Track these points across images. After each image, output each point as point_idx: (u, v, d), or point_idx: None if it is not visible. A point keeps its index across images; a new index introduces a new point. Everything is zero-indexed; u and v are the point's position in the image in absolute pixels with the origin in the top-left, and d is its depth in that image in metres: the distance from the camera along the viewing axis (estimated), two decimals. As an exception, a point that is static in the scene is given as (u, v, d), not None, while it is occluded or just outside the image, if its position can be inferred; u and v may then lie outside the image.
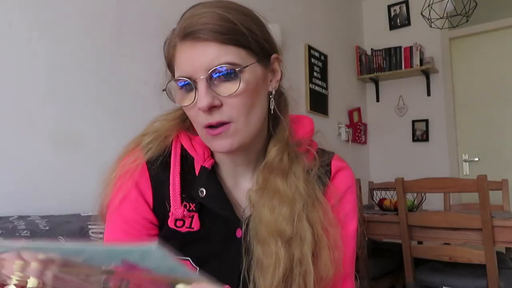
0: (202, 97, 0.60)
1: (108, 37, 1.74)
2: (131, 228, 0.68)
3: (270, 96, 0.69)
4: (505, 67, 3.57)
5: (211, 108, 0.61)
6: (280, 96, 0.73)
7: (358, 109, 3.87)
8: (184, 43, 0.61)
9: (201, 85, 0.60)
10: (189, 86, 0.62)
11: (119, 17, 1.79)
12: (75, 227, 1.25)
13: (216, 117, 0.61)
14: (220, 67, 0.59)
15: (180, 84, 0.63)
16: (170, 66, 0.67)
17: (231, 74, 0.60)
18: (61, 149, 1.52)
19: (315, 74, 3.27)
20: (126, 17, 1.82)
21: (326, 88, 3.43)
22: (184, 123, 0.73)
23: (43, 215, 1.30)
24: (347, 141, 3.59)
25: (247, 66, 0.61)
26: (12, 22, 1.41)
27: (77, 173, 1.53)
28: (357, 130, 3.76)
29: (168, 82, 0.65)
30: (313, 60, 3.26)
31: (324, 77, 3.41)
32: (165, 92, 0.66)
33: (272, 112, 0.69)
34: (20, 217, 1.24)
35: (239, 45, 0.61)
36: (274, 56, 0.68)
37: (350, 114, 3.77)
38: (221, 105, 0.61)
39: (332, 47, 3.53)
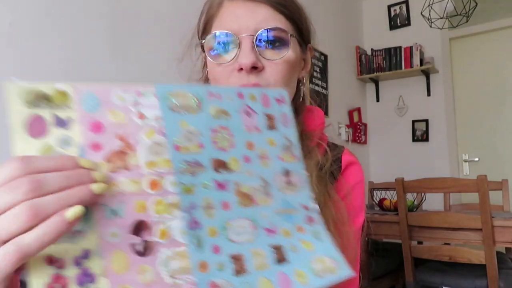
0: (247, 54, 0.56)
1: (107, 37, 1.74)
2: None
3: (300, 85, 0.67)
4: (505, 67, 3.57)
5: (251, 70, 0.57)
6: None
7: (358, 109, 3.87)
8: (233, 1, 0.58)
9: (246, 42, 0.56)
10: (227, 45, 0.58)
11: (118, 17, 1.79)
12: (75, 227, 1.25)
13: (254, 80, 0.57)
14: (270, 29, 0.57)
15: (215, 45, 0.58)
16: (207, 27, 0.63)
17: (279, 40, 0.58)
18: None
19: (315, 74, 3.27)
20: (126, 17, 1.82)
21: (326, 88, 3.43)
22: None
23: (43, 215, 1.30)
24: (347, 141, 3.59)
25: (294, 37, 0.60)
26: (12, 22, 1.41)
27: (77, 173, 1.52)
28: (357, 130, 3.76)
29: (205, 37, 0.60)
30: (313, 60, 3.26)
31: (324, 77, 3.41)
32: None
33: (298, 99, 0.68)
34: (20, 217, 1.24)
35: (290, 18, 0.59)
36: (310, 45, 0.68)
37: (350, 114, 3.77)
38: (263, 68, 0.58)
39: (332, 47, 3.53)
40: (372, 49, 3.95)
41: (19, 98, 0.32)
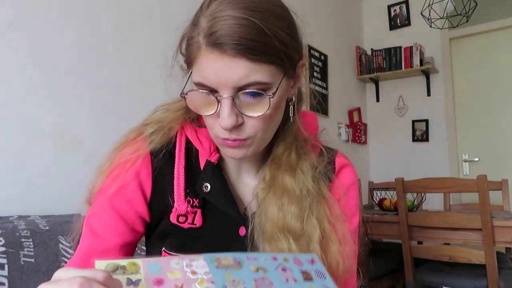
0: (226, 117, 0.56)
1: (108, 38, 1.74)
2: (117, 222, 0.65)
3: (290, 104, 0.66)
4: (505, 67, 3.57)
5: (232, 128, 0.57)
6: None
7: (358, 109, 3.87)
8: (210, 50, 0.55)
9: (225, 103, 0.56)
10: (208, 96, 0.58)
11: (118, 18, 1.79)
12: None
13: (235, 135, 0.59)
14: (248, 87, 0.55)
15: (196, 94, 0.59)
16: (188, 63, 0.61)
17: (258, 95, 0.56)
18: (61, 149, 1.52)
19: (315, 74, 3.27)
20: (126, 18, 1.82)
21: (326, 88, 3.43)
22: (189, 114, 0.70)
23: (43, 215, 1.30)
24: (347, 141, 3.59)
25: (276, 89, 0.58)
26: (12, 22, 1.41)
27: (77, 173, 1.53)
28: (357, 130, 3.76)
29: (188, 76, 0.61)
30: (313, 60, 3.26)
31: (324, 77, 3.41)
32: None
33: (287, 119, 0.67)
34: (20, 217, 1.24)
35: (271, 62, 0.56)
36: (300, 63, 0.64)
37: (350, 114, 3.77)
38: (243, 122, 0.58)
39: (332, 47, 3.53)
40: (372, 49, 3.95)
41: (105, 269, 0.43)
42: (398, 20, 3.95)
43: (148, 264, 0.43)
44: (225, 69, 0.54)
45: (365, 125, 3.96)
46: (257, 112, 0.57)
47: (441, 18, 2.96)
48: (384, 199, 2.57)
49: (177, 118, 0.69)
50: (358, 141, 3.78)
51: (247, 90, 0.55)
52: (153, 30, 1.92)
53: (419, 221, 2.07)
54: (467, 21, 2.89)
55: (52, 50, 1.53)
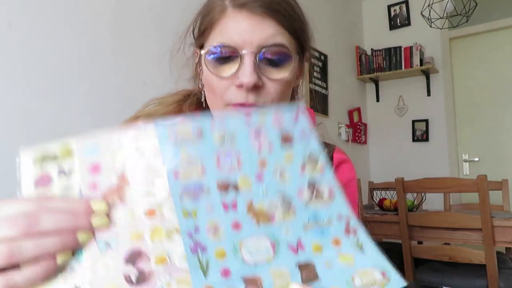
0: (249, 73, 0.54)
1: (108, 36, 1.74)
2: None
3: (295, 94, 0.67)
4: (505, 67, 3.57)
5: (251, 88, 0.55)
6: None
7: (358, 109, 3.87)
8: (237, 11, 0.55)
9: (248, 60, 0.54)
10: (228, 58, 0.56)
11: (119, 17, 1.79)
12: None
13: (252, 99, 0.56)
14: (275, 46, 0.55)
15: (214, 56, 0.56)
16: (206, 31, 0.59)
17: (281, 59, 0.56)
18: (61, 149, 1.52)
19: (315, 74, 3.27)
20: (126, 17, 1.82)
21: (326, 88, 3.43)
22: (182, 108, 0.69)
23: (43, 215, 1.30)
24: (347, 141, 3.59)
25: (298, 59, 0.59)
26: (12, 22, 1.41)
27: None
28: (357, 130, 3.76)
29: (203, 41, 0.59)
30: (313, 60, 3.26)
31: (324, 77, 3.41)
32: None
33: None
34: (20, 217, 1.24)
35: (293, 33, 0.57)
36: (307, 54, 0.65)
37: (350, 114, 3.77)
38: (262, 86, 0.57)
39: (332, 47, 3.53)
40: (372, 49, 3.95)
41: (31, 162, 0.36)
42: (398, 20, 3.95)
43: (84, 144, 0.36)
44: (252, 28, 0.55)
45: (365, 125, 3.96)
46: (277, 75, 0.57)
47: (441, 18, 2.96)
48: (384, 199, 2.57)
49: (169, 112, 0.68)
50: (358, 141, 3.78)
51: (272, 50, 0.56)
52: (153, 30, 1.92)
53: (419, 221, 2.07)
54: (467, 21, 2.89)
55: (52, 49, 1.53)
